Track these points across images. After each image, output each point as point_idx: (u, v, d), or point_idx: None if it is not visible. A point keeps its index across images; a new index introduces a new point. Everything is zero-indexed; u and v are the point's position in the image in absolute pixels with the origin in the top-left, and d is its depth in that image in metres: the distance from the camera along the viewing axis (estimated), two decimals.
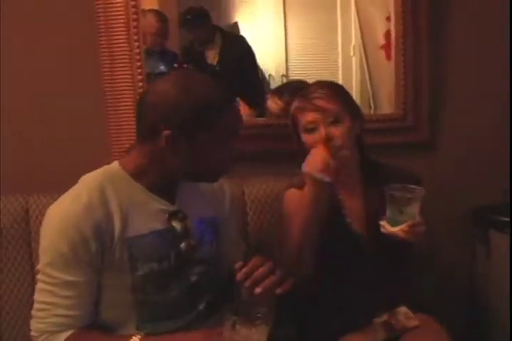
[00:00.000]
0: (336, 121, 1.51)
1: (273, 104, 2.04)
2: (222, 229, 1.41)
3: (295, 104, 1.59)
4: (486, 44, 2.02)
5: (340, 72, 2.31)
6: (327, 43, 2.33)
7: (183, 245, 1.29)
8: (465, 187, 2.03)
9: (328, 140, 1.49)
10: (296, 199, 1.55)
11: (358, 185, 1.62)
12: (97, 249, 1.17)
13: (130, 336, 1.17)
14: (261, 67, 2.21)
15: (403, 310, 1.49)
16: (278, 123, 1.93)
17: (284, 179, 1.73)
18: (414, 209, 1.38)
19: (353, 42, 2.29)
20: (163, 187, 1.27)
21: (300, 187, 1.56)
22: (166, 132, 1.16)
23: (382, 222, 1.41)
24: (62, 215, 1.17)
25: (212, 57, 2.21)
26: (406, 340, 1.41)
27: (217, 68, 2.18)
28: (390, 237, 1.40)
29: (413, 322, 1.44)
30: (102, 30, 1.85)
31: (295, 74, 2.30)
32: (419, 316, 1.47)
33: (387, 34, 2.09)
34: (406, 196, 1.37)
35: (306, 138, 1.55)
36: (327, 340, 1.47)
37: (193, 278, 1.31)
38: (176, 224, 1.28)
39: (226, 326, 1.08)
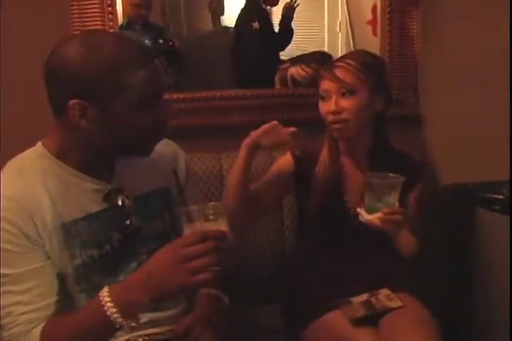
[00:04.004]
0: (349, 93, 1.48)
1: (302, 71, 1.99)
2: (176, 198, 1.30)
3: (321, 70, 1.57)
4: (475, 18, 1.98)
5: (326, 49, 2.27)
6: (313, 19, 2.30)
7: (126, 225, 1.19)
8: (452, 163, 1.99)
9: (336, 111, 1.48)
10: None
11: (362, 166, 1.58)
12: (34, 236, 1.07)
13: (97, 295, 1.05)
14: None
15: (384, 291, 1.45)
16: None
17: (263, 152, 1.70)
18: (393, 198, 1.37)
19: (340, 18, 2.27)
20: (96, 165, 1.15)
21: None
22: (72, 102, 1.02)
23: (358, 209, 1.40)
24: None
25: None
26: (387, 319, 1.36)
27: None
28: (366, 225, 1.39)
29: (395, 303, 1.39)
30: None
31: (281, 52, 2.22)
32: (401, 295, 1.43)
33: (374, 9, 2.06)
34: (385, 184, 1.36)
35: (320, 106, 1.54)
36: (310, 317, 1.43)
37: (144, 258, 1.18)
38: (115, 204, 1.17)
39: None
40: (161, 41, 1.99)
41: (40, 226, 1.07)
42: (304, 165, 1.59)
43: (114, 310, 0.98)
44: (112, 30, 1.79)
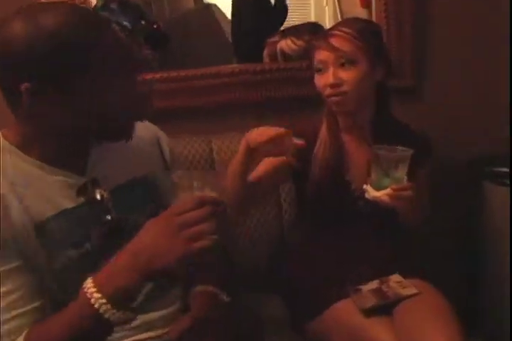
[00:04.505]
0: (348, 63, 1.38)
1: (292, 44, 1.86)
2: (161, 185, 1.19)
3: (314, 40, 1.47)
4: None
5: None
6: None
7: (106, 220, 1.07)
8: (454, 137, 1.90)
9: (335, 84, 1.38)
10: None
11: (366, 141, 1.49)
12: (5, 237, 0.95)
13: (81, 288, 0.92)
14: (230, 19, 2.05)
15: (395, 277, 1.37)
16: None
17: None
18: (401, 172, 1.28)
19: None
20: (66, 155, 1.03)
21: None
22: (24, 85, 0.90)
23: (365, 186, 1.31)
24: None
25: None
26: (402, 308, 1.28)
27: None
28: (373, 203, 1.30)
29: (410, 290, 1.31)
30: None
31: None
32: (413, 281, 1.35)
33: None
34: (393, 157, 1.27)
35: (316, 79, 1.44)
36: (317, 308, 1.34)
37: None
38: (91, 198, 1.05)
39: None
40: (143, 22, 1.85)
41: (8, 227, 0.95)
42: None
43: (103, 300, 0.86)
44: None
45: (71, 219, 1.02)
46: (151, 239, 0.87)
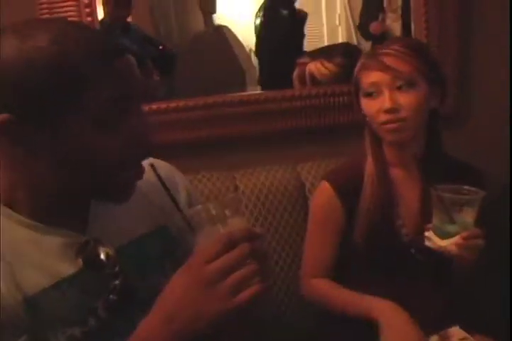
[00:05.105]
0: (406, 86, 1.22)
1: (322, 68, 1.72)
2: (183, 236, 0.96)
3: (360, 61, 1.31)
4: None
5: (326, 43, 2.06)
6: (311, 13, 2.07)
7: (113, 287, 0.87)
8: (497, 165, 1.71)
9: (393, 109, 1.21)
10: (325, 203, 1.32)
11: (416, 180, 1.33)
12: None
13: None
14: (242, 41, 1.97)
15: (456, 330, 1.23)
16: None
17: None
18: (468, 216, 1.14)
19: (338, 10, 2.06)
20: (61, 212, 0.84)
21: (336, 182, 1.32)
22: (1, 117, 0.71)
23: (427, 233, 1.17)
24: None
25: None
26: None
27: None
28: (437, 253, 1.17)
29: None
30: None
31: None
32: (477, 338, 1.21)
33: None
34: (459, 199, 1.12)
35: (365, 104, 1.29)
36: None
37: None
38: (93, 259, 0.86)
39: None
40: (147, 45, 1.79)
41: None
42: (349, 196, 1.32)
43: None
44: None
45: (71, 289, 0.82)
46: (185, 297, 0.72)
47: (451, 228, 1.14)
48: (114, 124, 0.75)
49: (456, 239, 1.11)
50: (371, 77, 1.25)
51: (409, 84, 1.22)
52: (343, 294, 1.29)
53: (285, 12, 1.87)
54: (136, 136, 0.77)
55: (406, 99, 1.22)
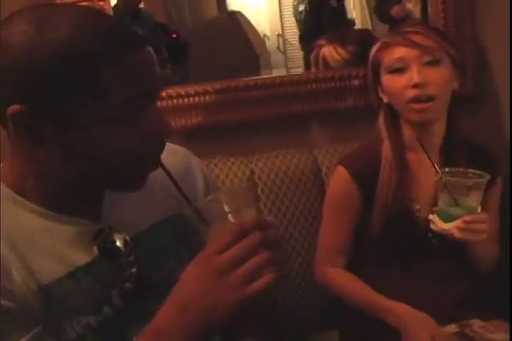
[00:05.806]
0: (434, 63, 1.21)
1: (335, 53, 1.68)
2: (197, 226, 0.97)
3: (380, 41, 1.30)
4: None
5: None
6: None
7: (129, 275, 0.86)
8: None
9: (421, 84, 1.18)
10: (341, 187, 1.31)
11: (435, 163, 1.30)
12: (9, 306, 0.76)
13: None
14: (255, 26, 1.93)
15: (477, 322, 1.22)
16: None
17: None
18: (474, 201, 1.14)
19: None
20: (75, 200, 0.83)
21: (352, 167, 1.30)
22: (13, 108, 0.69)
23: (431, 216, 1.19)
24: None
25: None
26: None
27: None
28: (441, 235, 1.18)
29: (501, 336, 1.15)
30: None
31: (292, 33, 1.99)
32: (495, 323, 1.21)
33: None
34: (465, 184, 1.13)
35: (389, 80, 1.26)
36: None
37: None
38: (109, 247, 0.85)
39: None
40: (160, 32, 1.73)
41: (9, 295, 0.75)
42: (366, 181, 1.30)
43: None
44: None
45: (86, 278, 0.81)
46: (198, 288, 0.71)
47: (454, 211, 1.14)
48: (130, 121, 0.73)
49: (458, 222, 1.11)
50: (397, 53, 1.23)
51: (437, 61, 1.21)
52: (360, 290, 1.28)
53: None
54: (154, 133, 0.76)
55: (434, 75, 1.20)
